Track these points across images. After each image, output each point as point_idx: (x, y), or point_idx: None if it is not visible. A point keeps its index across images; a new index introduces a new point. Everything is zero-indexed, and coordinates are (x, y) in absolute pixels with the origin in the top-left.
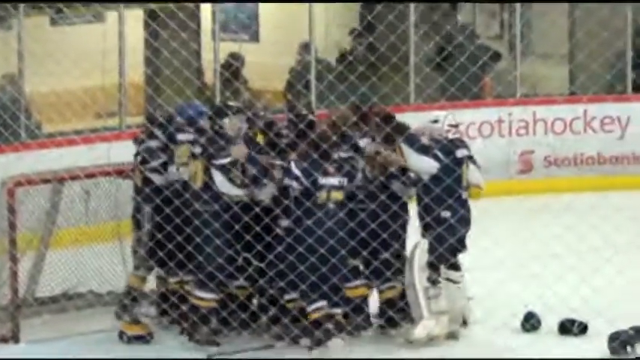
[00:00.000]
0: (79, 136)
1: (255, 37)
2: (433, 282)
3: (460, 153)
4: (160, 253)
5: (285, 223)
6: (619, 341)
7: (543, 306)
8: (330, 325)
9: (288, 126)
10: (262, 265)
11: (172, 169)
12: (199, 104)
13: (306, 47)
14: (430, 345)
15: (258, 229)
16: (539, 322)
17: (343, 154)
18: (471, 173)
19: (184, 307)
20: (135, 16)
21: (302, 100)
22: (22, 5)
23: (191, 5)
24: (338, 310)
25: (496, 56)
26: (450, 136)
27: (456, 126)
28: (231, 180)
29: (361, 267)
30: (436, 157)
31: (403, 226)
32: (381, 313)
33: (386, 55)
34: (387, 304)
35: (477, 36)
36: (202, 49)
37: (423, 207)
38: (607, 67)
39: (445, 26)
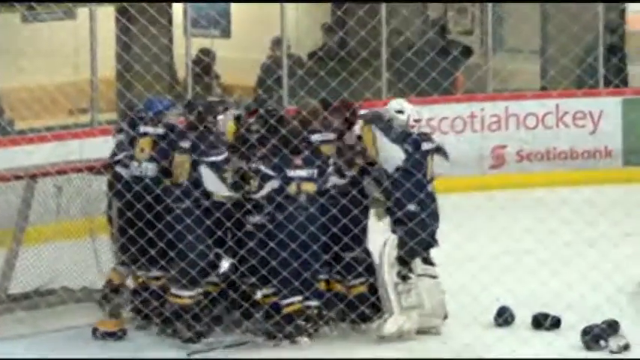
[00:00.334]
0: (51, 132)
1: (226, 33)
2: (403, 277)
3: (425, 146)
4: (132, 249)
5: (255, 219)
6: (592, 335)
7: (516, 300)
8: (300, 322)
9: (258, 121)
10: (234, 260)
11: (134, 164)
12: (167, 98)
13: (278, 43)
14: (403, 340)
15: (229, 224)
16: (512, 317)
17: (319, 138)
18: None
19: (166, 306)
20: (106, 13)
21: (273, 95)
22: None
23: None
24: (312, 303)
25: (467, 51)
26: (414, 130)
27: (418, 121)
28: (222, 179)
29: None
30: (406, 150)
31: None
32: (352, 308)
33: (357, 50)
34: (357, 298)
35: (448, 31)
36: (174, 44)
37: (393, 202)
38: (578, 62)
39: (416, 21)
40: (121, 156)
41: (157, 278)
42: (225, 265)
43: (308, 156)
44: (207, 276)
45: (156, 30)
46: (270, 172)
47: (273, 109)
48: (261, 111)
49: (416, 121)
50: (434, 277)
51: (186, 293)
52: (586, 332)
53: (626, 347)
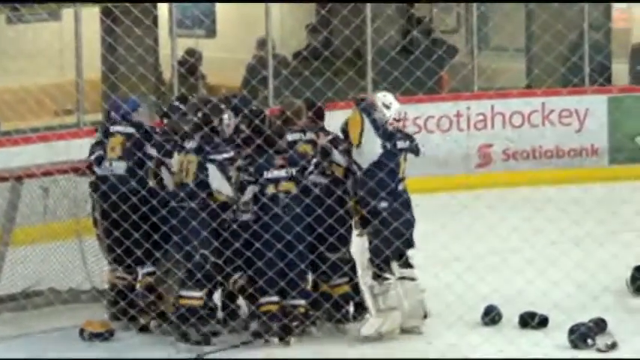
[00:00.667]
0: (36, 133)
1: (211, 33)
2: (379, 279)
3: (400, 144)
4: (118, 250)
5: (245, 217)
6: (579, 334)
7: (503, 299)
8: (273, 323)
9: (243, 121)
10: (220, 261)
11: (106, 163)
12: (135, 99)
13: (263, 43)
14: (388, 340)
15: (236, 227)
16: (499, 316)
17: (299, 137)
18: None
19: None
20: (91, 14)
21: (259, 95)
22: None
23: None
24: (298, 303)
25: (452, 50)
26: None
27: (398, 120)
28: (228, 178)
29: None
30: (384, 147)
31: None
32: (337, 307)
33: (342, 49)
34: (341, 298)
35: (433, 30)
36: (159, 45)
37: (363, 199)
38: (562, 60)
39: (400, 20)
40: (92, 157)
41: (151, 274)
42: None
43: (289, 155)
44: (213, 277)
45: (141, 31)
46: (248, 178)
47: (257, 109)
48: (246, 111)
49: (397, 120)
50: (412, 278)
51: (197, 294)
52: (573, 331)
53: (613, 346)
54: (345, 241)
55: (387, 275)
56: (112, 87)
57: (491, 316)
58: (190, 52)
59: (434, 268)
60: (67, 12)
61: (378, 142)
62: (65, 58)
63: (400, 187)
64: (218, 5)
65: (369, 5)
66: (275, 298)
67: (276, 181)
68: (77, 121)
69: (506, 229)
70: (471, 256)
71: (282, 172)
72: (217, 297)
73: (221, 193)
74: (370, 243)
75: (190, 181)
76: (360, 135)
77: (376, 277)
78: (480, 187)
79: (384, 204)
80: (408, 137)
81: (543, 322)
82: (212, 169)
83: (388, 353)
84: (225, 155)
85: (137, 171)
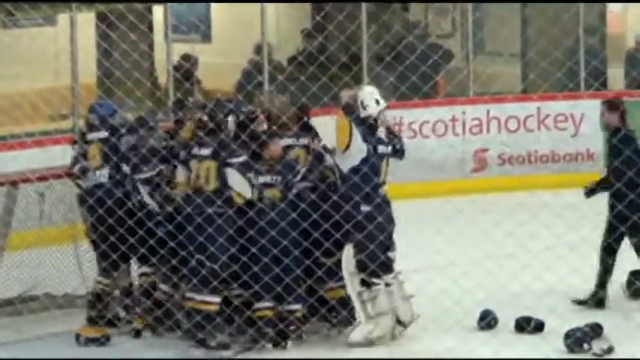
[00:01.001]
0: (32, 138)
1: (207, 38)
2: (367, 285)
3: (382, 149)
4: (99, 255)
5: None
6: (575, 338)
7: (498, 304)
8: (268, 329)
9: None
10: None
11: (90, 174)
12: (111, 103)
13: (260, 48)
14: (385, 344)
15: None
16: (495, 321)
17: (289, 142)
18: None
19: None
20: (86, 19)
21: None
22: None
23: (140, 6)
24: (294, 307)
25: (448, 55)
26: (379, 133)
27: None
28: (248, 180)
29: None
30: (368, 150)
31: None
32: (333, 312)
33: (337, 55)
34: (337, 302)
35: (428, 34)
36: (154, 50)
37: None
38: (558, 65)
39: (395, 25)
40: (75, 169)
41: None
42: None
43: (286, 161)
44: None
45: (136, 36)
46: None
47: (250, 113)
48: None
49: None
50: (387, 284)
51: (215, 299)
52: (569, 335)
53: (609, 350)
54: (341, 245)
55: (375, 281)
56: (108, 92)
57: (487, 321)
58: (186, 57)
59: (429, 272)
60: (63, 17)
61: (363, 147)
62: (61, 62)
63: (381, 191)
64: (213, 10)
65: (364, 10)
66: (270, 304)
67: (259, 188)
68: (73, 126)
69: (502, 233)
70: (467, 260)
71: (267, 178)
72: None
73: (242, 196)
74: (355, 249)
75: (211, 187)
76: (349, 140)
77: (364, 283)
78: (475, 192)
79: (366, 207)
80: (395, 138)
81: (539, 326)
82: (231, 172)
83: (384, 355)
84: (244, 158)
85: (117, 176)
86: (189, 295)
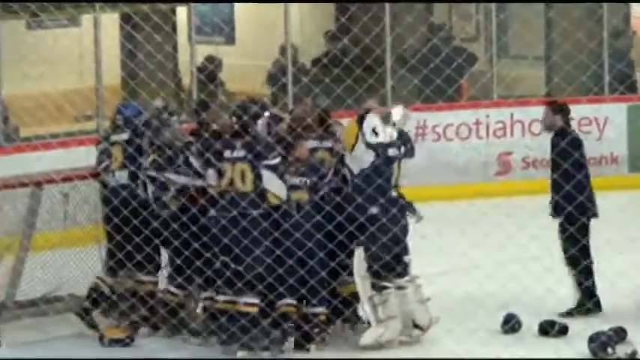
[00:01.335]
0: (56, 139)
1: (230, 40)
2: (378, 288)
3: (391, 152)
4: (139, 257)
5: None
6: (599, 342)
7: (522, 308)
8: (289, 324)
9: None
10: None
11: (111, 175)
12: (136, 104)
13: (284, 49)
14: (401, 347)
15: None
16: (519, 324)
17: (316, 144)
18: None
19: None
20: (110, 20)
21: (279, 101)
22: None
23: (165, 7)
24: (318, 310)
25: (472, 58)
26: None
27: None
28: (283, 180)
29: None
30: (377, 155)
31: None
32: (347, 306)
33: (361, 57)
34: (351, 296)
35: (452, 37)
36: (178, 51)
37: (354, 205)
38: (582, 69)
39: (419, 28)
40: (100, 168)
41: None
42: None
43: (311, 163)
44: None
45: (160, 37)
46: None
47: (275, 116)
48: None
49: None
50: (401, 287)
51: (256, 301)
52: (593, 340)
53: (633, 354)
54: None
55: (386, 284)
56: (132, 93)
57: (511, 325)
58: (210, 59)
59: (454, 275)
60: (87, 18)
61: (371, 152)
62: (85, 64)
63: (393, 194)
64: (237, 12)
65: (387, 12)
66: (292, 300)
67: (294, 188)
68: (97, 127)
69: (526, 237)
70: (491, 263)
71: (296, 181)
72: None
73: (278, 197)
74: (366, 253)
75: (249, 190)
76: (354, 145)
77: (375, 287)
78: (499, 195)
79: (375, 210)
80: (403, 137)
81: (563, 330)
82: (268, 174)
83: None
84: (279, 159)
85: (138, 177)
86: (222, 298)
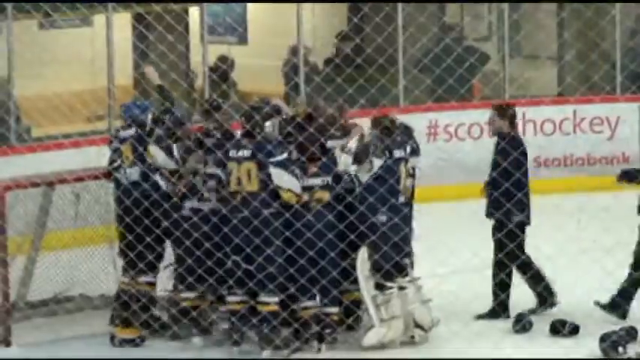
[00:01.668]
0: (68, 139)
1: (243, 40)
2: (382, 288)
3: (397, 154)
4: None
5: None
6: (610, 342)
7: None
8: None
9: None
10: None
11: (121, 171)
12: (145, 102)
13: (294, 50)
14: (409, 346)
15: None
16: (530, 324)
17: (336, 144)
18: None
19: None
20: (123, 20)
21: (291, 101)
22: (10, 9)
23: (178, 7)
24: (331, 310)
25: (484, 58)
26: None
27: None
28: (295, 176)
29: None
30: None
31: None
32: (348, 313)
33: (373, 57)
34: (352, 303)
35: (465, 37)
36: (190, 51)
37: (362, 212)
38: (594, 68)
39: (432, 28)
40: (113, 166)
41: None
42: None
43: (324, 163)
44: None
45: (173, 37)
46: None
47: (289, 116)
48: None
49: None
50: (402, 287)
51: (274, 299)
52: (604, 339)
53: None
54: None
55: (389, 284)
56: (144, 93)
57: (522, 324)
58: (222, 59)
59: (465, 275)
60: (99, 18)
61: (377, 161)
62: (97, 64)
63: (402, 199)
64: (250, 12)
65: (400, 12)
66: (309, 303)
67: (310, 189)
68: (109, 127)
69: (538, 236)
70: None
71: (318, 180)
72: None
73: (293, 192)
74: (370, 254)
75: (255, 189)
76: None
77: (378, 286)
78: None
79: (383, 217)
80: (408, 135)
81: (574, 330)
82: (276, 171)
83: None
84: (286, 154)
85: (149, 176)
86: (234, 298)
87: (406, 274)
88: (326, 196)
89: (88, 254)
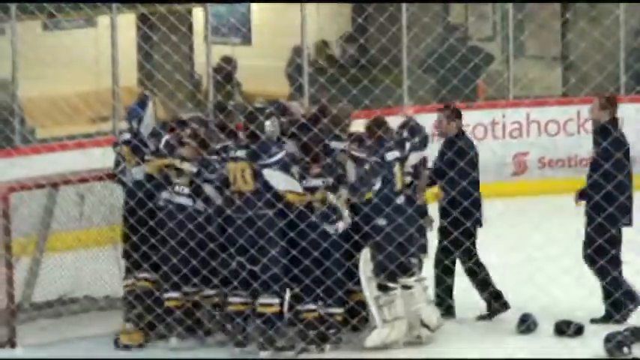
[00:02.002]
0: (73, 141)
1: (247, 40)
2: (384, 289)
3: (389, 156)
4: (155, 259)
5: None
6: (615, 342)
7: (539, 308)
8: (310, 331)
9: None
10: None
11: (127, 173)
12: (136, 107)
13: (297, 50)
14: (415, 347)
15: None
16: (535, 324)
17: (340, 145)
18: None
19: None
20: (127, 21)
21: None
22: (14, 10)
23: (182, 8)
24: (335, 311)
25: (488, 58)
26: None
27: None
28: (292, 176)
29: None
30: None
31: None
32: (353, 314)
33: (377, 57)
34: (357, 304)
35: (469, 38)
36: (195, 52)
37: (361, 215)
38: (599, 69)
39: (436, 28)
40: (117, 170)
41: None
42: None
43: (327, 164)
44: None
45: (177, 38)
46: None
47: (294, 117)
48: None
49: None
50: (408, 287)
51: (276, 301)
52: (609, 339)
53: None
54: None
55: (392, 285)
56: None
57: (526, 325)
58: (226, 60)
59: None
60: (103, 19)
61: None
62: (101, 65)
63: (399, 200)
64: (254, 13)
65: (404, 12)
66: (313, 306)
67: (312, 190)
68: (113, 129)
69: (542, 237)
70: (507, 263)
71: (319, 181)
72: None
73: (294, 192)
74: (373, 255)
75: (250, 188)
76: None
77: (381, 287)
78: (515, 195)
79: (382, 221)
80: (416, 130)
81: (579, 330)
82: (270, 173)
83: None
84: (280, 155)
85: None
86: (237, 299)
87: (412, 274)
88: (329, 197)
89: (93, 255)
